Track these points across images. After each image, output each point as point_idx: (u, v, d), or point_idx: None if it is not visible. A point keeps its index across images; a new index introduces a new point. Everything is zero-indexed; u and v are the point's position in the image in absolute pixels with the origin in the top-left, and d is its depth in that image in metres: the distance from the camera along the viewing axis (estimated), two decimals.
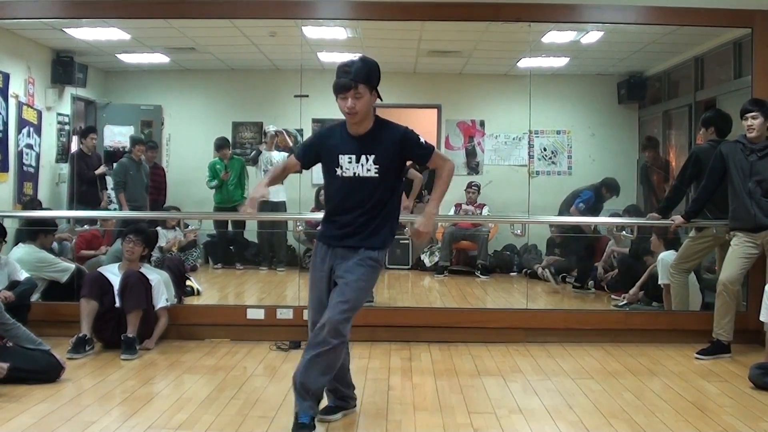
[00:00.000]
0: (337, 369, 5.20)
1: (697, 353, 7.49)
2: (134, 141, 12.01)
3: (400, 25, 9.49)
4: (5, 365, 6.02)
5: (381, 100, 5.08)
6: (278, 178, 5.41)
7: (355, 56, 5.12)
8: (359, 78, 4.92)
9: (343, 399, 5.52)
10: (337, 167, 5.06)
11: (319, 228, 5.47)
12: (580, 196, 11.47)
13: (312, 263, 5.29)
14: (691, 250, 8.16)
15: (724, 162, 7.45)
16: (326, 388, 5.31)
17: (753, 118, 7.28)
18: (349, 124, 5.07)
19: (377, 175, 5.04)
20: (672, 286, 8.32)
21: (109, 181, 11.95)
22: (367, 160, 5.02)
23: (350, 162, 5.04)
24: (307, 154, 5.32)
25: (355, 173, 5.04)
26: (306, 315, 7.82)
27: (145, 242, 7.89)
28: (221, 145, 12.66)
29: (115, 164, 11.99)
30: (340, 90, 4.92)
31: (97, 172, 11.68)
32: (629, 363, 7.28)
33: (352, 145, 5.06)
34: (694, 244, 8.14)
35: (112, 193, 11.92)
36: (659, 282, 8.72)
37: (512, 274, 12.66)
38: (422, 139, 5.17)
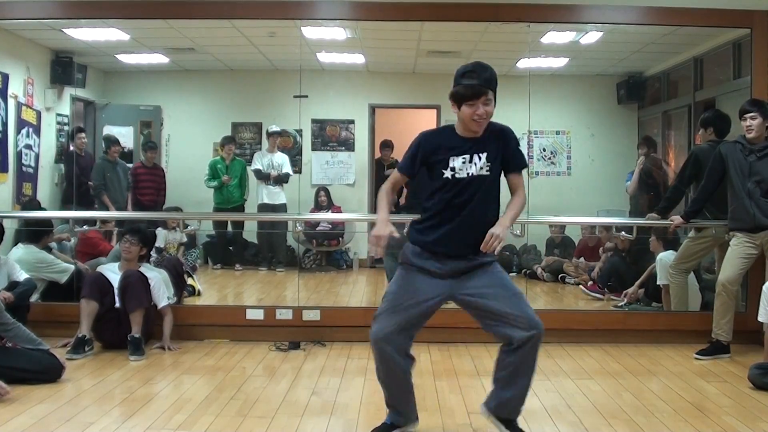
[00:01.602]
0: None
1: (696, 353, 7.50)
2: (109, 141, 11.94)
3: (399, 26, 9.50)
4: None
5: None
6: (391, 201, 5.04)
7: (472, 61, 5.00)
8: (488, 84, 4.80)
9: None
10: (447, 169, 4.84)
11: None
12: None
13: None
14: (690, 250, 8.16)
15: (724, 162, 7.45)
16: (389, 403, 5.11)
17: (752, 118, 7.28)
18: (467, 131, 4.87)
19: (489, 173, 4.89)
20: (671, 286, 8.32)
21: None
22: (480, 158, 4.85)
23: (464, 163, 4.83)
24: (413, 166, 4.97)
25: (469, 174, 4.84)
26: (307, 316, 7.92)
27: (142, 242, 7.88)
28: (226, 141, 12.66)
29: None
30: (470, 97, 4.74)
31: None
32: (629, 363, 7.28)
33: (465, 146, 4.86)
34: (693, 245, 8.14)
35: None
36: (658, 282, 8.73)
37: (511, 274, 12.64)
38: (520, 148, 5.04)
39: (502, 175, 5.01)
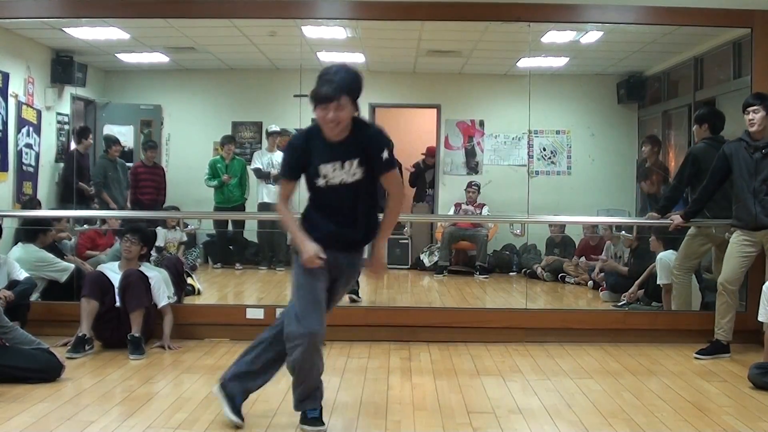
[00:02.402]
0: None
1: (696, 353, 7.50)
2: (110, 141, 11.95)
3: (399, 25, 9.51)
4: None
5: (358, 111, 4.93)
6: (293, 216, 5.12)
7: (337, 64, 4.94)
8: (343, 89, 4.73)
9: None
10: (319, 177, 4.91)
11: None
12: None
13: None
14: (691, 249, 8.16)
15: (728, 162, 7.42)
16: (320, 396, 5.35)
17: (754, 112, 7.24)
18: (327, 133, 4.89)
19: (363, 176, 4.94)
20: (675, 286, 8.32)
21: None
22: (351, 164, 4.90)
23: (335, 170, 4.89)
24: (295, 170, 5.03)
25: (341, 181, 4.91)
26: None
27: (142, 241, 7.88)
28: (226, 141, 12.67)
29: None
30: (321, 101, 4.72)
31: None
32: (628, 363, 7.28)
33: (334, 152, 4.90)
34: (694, 243, 8.14)
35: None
36: (658, 282, 8.72)
37: (511, 274, 12.67)
38: (386, 153, 4.99)
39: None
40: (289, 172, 5.03)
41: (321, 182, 4.92)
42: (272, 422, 5.35)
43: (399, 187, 5.21)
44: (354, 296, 9.22)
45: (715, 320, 7.51)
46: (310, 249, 4.88)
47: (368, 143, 4.94)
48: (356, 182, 4.93)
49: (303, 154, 4.94)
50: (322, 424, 5.19)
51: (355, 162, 4.89)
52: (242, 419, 5.23)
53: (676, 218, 7.91)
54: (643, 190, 10.84)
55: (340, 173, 4.89)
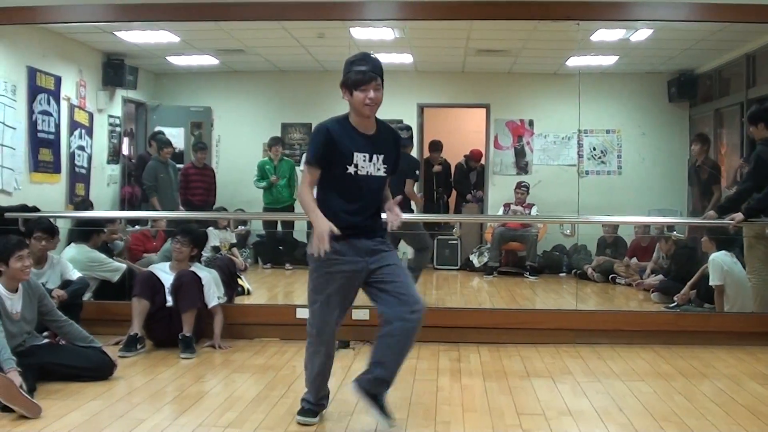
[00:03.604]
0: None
1: None
2: (162, 143, 11.99)
3: (447, 25, 9.48)
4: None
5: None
6: (312, 197, 5.11)
7: (360, 52, 5.17)
8: (378, 71, 4.97)
9: (324, 400, 5.49)
10: (351, 165, 5.01)
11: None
12: None
13: (327, 261, 5.02)
14: (758, 252, 8.08)
15: None
16: (320, 392, 5.43)
17: None
18: (361, 119, 5.04)
19: (384, 174, 5.12)
20: (755, 288, 8.22)
21: None
22: (378, 159, 5.07)
23: (365, 161, 5.03)
24: (324, 157, 5.04)
25: (368, 172, 5.04)
26: (356, 315, 7.90)
27: (193, 243, 7.93)
28: (273, 143, 12.72)
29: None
30: (363, 82, 4.91)
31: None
32: (680, 365, 7.21)
33: (366, 144, 5.06)
34: (759, 247, 8.06)
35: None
36: (710, 283, 8.62)
37: (561, 274, 12.60)
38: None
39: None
40: (317, 159, 5.04)
41: (352, 170, 5.00)
42: (322, 421, 5.36)
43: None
44: None
45: None
46: (322, 224, 4.81)
47: (394, 144, 5.22)
48: (379, 177, 5.10)
49: (334, 140, 5.02)
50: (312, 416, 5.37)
51: (381, 158, 5.07)
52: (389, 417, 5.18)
53: (738, 216, 7.82)
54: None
55: (368, 165, 5.04)
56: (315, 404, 5.39)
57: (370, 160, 5.03)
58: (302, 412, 5.37)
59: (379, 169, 5.06)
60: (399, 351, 5.04)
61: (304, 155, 5.28)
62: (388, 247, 5.19)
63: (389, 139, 5.16)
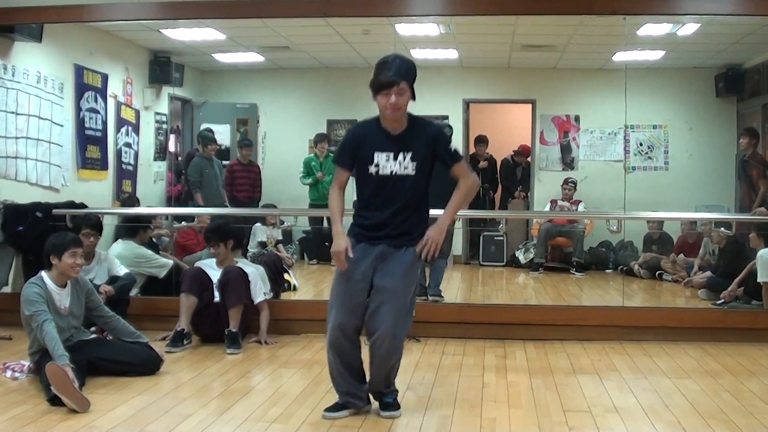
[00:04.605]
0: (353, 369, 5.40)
1: None
2: (207, 140, 12.07)
3: (493, 20, 9.47)
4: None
5: (414, 99, 5.11)
6: (342, 208, 5.29)
7: (391, 54, 5.20)
8: (401, 75, 4.98)
9: (353, 398, 5.44)
10: (372, 164, 5.10)
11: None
12: None
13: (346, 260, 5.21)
14: None
15: None
16: (339, 387, 5.41)
17: None
18: (388, 121, 5.10)
19: (414, 172, 5.10)
20: None
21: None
22: (405, 157, 5.08)
23: (388, 160, 5.08)
24: (349, 158, 5.25)
25: (392, 171, 5.08)
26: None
27: (221, 240, 7.85)
28: (319, 139, 12.75)
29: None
30: (383, 87, 4.97)
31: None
32: (728, 363, 7.13)
33: (391, 143, 5.10)
34: None
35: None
36: (759, 280, 8.52)
37: (608, 271, 12.52)
38: (453, 145, 5.26)
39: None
40: (342, 160, 5.27)
41: (372, 170, 5.11)
42: (368, 417, 5.36)
43: (470, 177, 5.30)
44: (437, 297, 9.13)
45: None
46: (338, 244, 5.14)
47: (434, 140, 5.17)
48: (406, 176, 5.11)
49: (358, 143, 5.16)
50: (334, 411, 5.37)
51: (408, 156, 5.09)
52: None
53: None
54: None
55: (392, 164, 5.08)
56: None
57: (395, 158, 5.07)
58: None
59: (406, 168, 5.08)
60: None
61: (335, 155, 5.46)
62: (399, 262, 5.20)
63: (422, 136, 5.14)
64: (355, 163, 5.21)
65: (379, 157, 5.08)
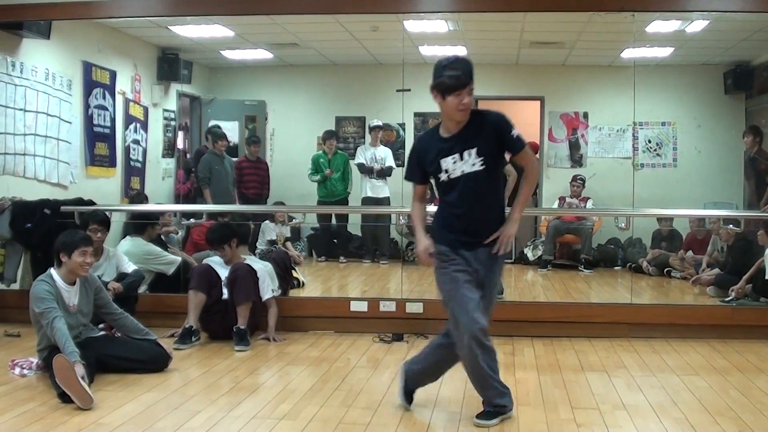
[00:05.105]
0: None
1: None
2: (217, 136, 12.02)
3: (501, 17, 9.47)
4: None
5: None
6: (423, 216, 5.38)
7: (451, 54, 5.11)
8: (469, 76, 4.94)
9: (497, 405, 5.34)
10: (442, 172, 5.11)
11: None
12: None
13: (450, 264, 5.17)
14: None
15: None
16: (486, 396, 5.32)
17: None
18: (455, 121, 5.06)
19: (483, 167, 5.05)
20: None
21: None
22: (470, 155, 5.04)
23: (455, 162, 5.06)
24: (416, 173, 5.33)
25: (462, 171, 5.06)
26: (410, 308, 7.96)
27: (224, 242, 7.85)
28: (328, 136, 12.76)
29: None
30: (456, 88, 4.92)
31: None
32: (736, 360, 7.12)
33: (453, 145, 5.08)
34: None
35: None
36: (767, 277, 8.51)
37: (616, 268, 12.51)
38: (515, 131, 5.16)
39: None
40: (411, 175, 5.37)
41: (444, 177, 5.11)
42: (376, 413, 5.37)
43: (534, 163, 5.33)
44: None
45: None
46: (421, 245, 5.22)
47: (495, 128, 5.10)
48: (477, 173, 5.06)
49: (422, 157, 5.21)
50: (489, 418, 5.24)
51: (473, 151, 5.04)
52: (409, 404, 5.51)
53: None
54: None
55: (460, 165, 5.05)
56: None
57: (461, 158, 5.05)
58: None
59: (474, 164, 5.04)
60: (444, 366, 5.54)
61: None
62: (489, 269, 5.23)
63: (483, 127, 5.09)
64: (426, 175, 5.28)
65: (446, 163, 5.07)
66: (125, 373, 6.20)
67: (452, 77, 4.91)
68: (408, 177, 5.39)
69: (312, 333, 8.04)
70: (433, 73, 5.01)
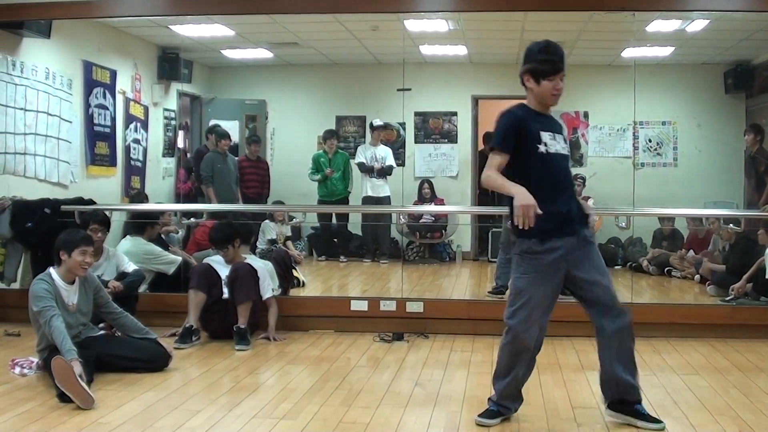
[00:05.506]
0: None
1: None
2: (220, 135, 11.97)
3: (502, 16, 9.46)
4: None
5: None
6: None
7: (543, 40, 5.19)
8: (563, 60, 5.06)
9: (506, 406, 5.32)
10: (540, 143, 4.94)
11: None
12: None
13: (541, 259, 5.13)
14: None
15: None
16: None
17: None
18: (547, 105, 5.08)
19: (568, 153, 5.14)
20: None
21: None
22: (560, 138, 5.07)
23: (552, 138, 4.99)
24: (510, 140, 4.96)
25: (557, 150, 4.99)
26: (411, 307, 7.96)
27: (227, 242, 7.85)
28: (328, 136, 12.76)
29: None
30: (554, 72, 4.99)
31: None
32: (736, 359, 7.12)
33: (548, 125, 5.06)
34: None
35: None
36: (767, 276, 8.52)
37: (617, 267, 12.48)
38: None
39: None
40: (504, 142, 4.96)
41: (542, 148, 4.93)
42: (376, 413, 5.37)
43: None
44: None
45: None
46: (525, 195, 4.70)
47: (561, 126, 5.21)
48: (566, 156, 5.09)
49: (521, 123, 4.98)
50: (491, 417, 5.22)
51: (561, 137, 5.09)
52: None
53: None
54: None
55: (555, 143, 5.00)
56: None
57: (554, 139, 4.99)
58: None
59: (564, 147, 5.06)
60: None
61: (493, 139, 5.09)
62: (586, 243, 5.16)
63: (557, 120, 5.20)
64: (517, 146, 4.94)
65: (545, 136, 4.96)
66: (125, 372, 6.20)
67: (548, 62, 4.97)
68: (500, 144, 4.94)
69: (312, 332, 8.04)
70: (525, 57, 5.05)
